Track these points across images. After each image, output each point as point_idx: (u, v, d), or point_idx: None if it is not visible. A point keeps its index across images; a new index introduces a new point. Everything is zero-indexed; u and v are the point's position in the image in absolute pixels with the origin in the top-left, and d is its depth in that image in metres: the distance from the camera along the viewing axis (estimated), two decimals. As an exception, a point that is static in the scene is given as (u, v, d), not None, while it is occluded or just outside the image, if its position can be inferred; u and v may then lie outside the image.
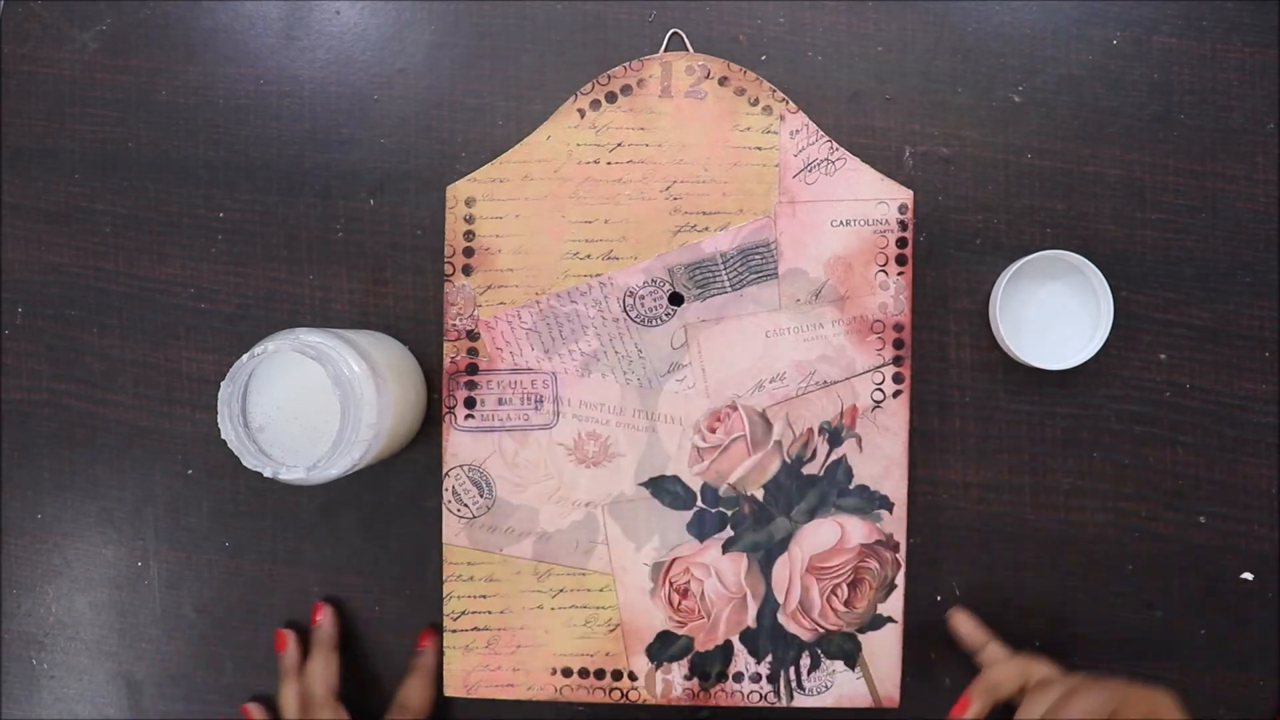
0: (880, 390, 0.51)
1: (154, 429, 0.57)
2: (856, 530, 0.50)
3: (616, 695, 0.51)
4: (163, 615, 0.57)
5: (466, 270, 0.53)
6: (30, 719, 0.58)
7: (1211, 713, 0.54)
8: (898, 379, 0.51)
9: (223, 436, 0.46)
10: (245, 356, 0.46)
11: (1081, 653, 0.55)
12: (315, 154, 0.57)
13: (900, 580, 0.50)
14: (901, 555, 0.51)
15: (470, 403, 0.52)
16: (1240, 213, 0.54)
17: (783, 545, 0.50)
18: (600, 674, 0.51)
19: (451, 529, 0.52)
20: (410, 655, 0.55)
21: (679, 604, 0.50)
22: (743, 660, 0.50)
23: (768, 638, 0.50)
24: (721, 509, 0.51)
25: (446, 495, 0.52)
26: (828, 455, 0.51)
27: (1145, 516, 0.55)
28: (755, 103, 0.52)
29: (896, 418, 0.51)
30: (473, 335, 0.52)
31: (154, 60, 0.57)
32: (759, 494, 0.50)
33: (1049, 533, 0.55)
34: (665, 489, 0.51)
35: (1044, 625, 0.55)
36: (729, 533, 0.51)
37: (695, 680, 0.51)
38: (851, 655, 0.50)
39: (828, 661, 0.50)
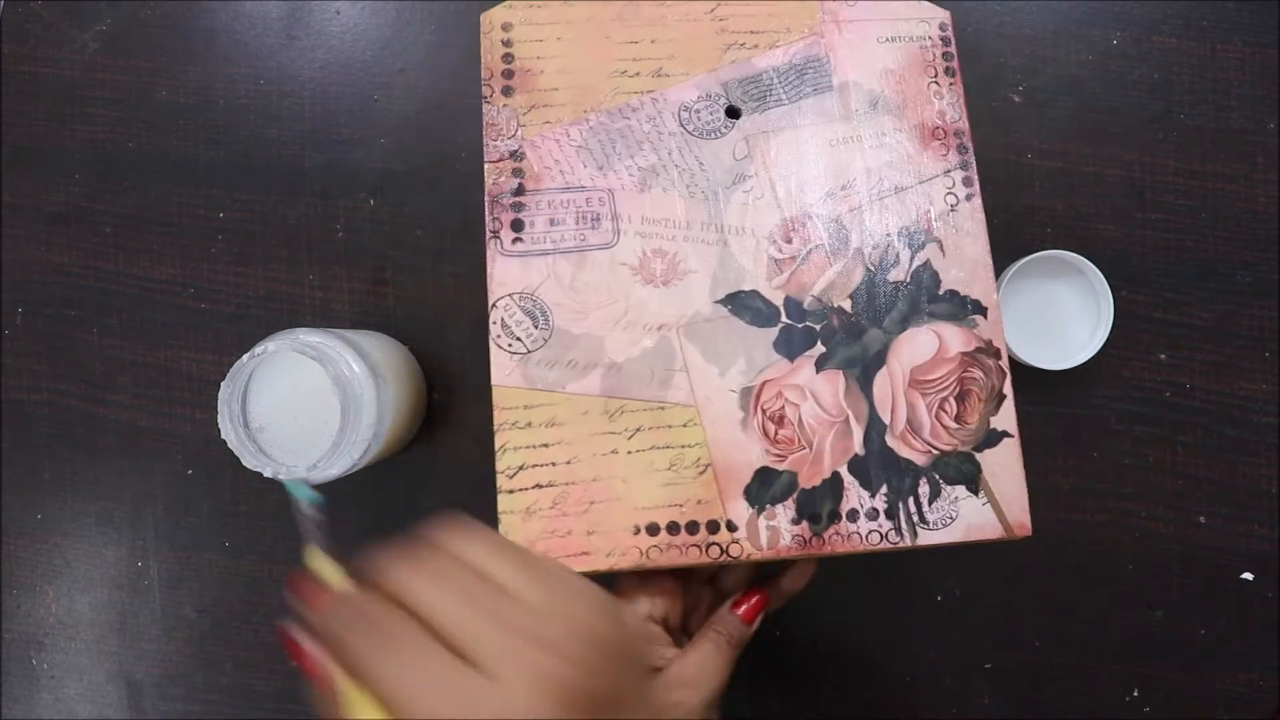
0: (953, 194, 0.48)
1: (154, 429, 0.57)
2: (954, 338, 0.45)
3: (715, 552, 0.42)
4: (163, 615, 0.57)
5: (506, 91, 0.49)
6: (30, 719, 0.58)
7: (1211, 713, 0.54)
8: (967, 183, 0.48)
9: (223, 436, 0.46)
10: (245, 357, 0.46)
11: (1081, 653, 0.55)
12: (315, 154, 0.57)
13: (1008, 389, 0.44)
14: (1004, 363, 0.45)
15: (518, 225, 0.46)
16: (1240, 212, 0.54)
17: (880, 359, 0.45)
18: (693, 528, 0.42)
19: (502, 368, 0.44)
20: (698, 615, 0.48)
21: (775, 434, 0.43)
22: (855, 495, 0.43)
23: (879, 465, 0.43)
24: (809, 324, 0.45)
25: (494, 329, 0.45)
26: (911, 260, 0.46)
27: (1145, 516, 0.55)
28: None
29: (973, 220, 0.47)
30: (517, 155, 0.47)
31: (154, 60, 0.57)
32: (846, 305, 0.45)
33: (1049, 533, 0.55)
34: (745, 305, 0.45)
35: (1044, 625, 0.55)
36: (820, 349, 0.45)
37: (805, 524, 0.42)
38: (972, 478, 0.44)
39: (948, 488, 0.43)
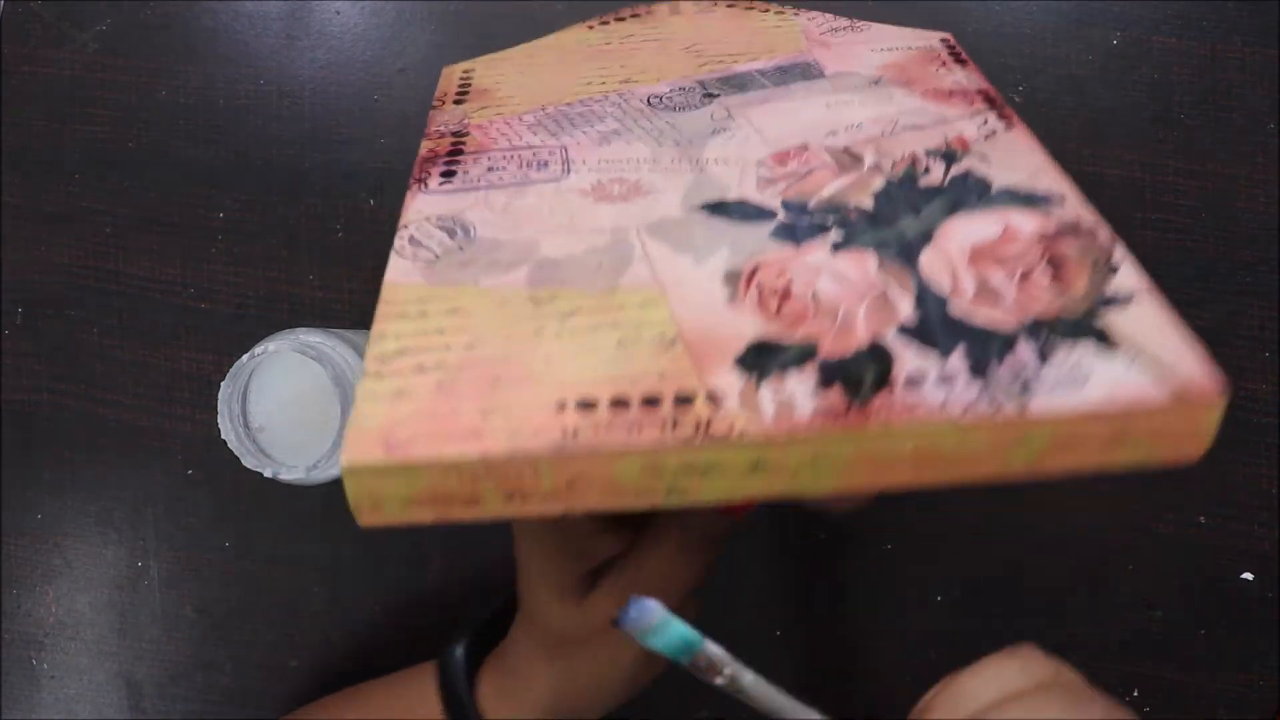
0: (987, 126, 0.39)
1: (154, 429, 0.57)
2: (1026, 222, 0.34)
3: (688, 430, 0.26)
4: (163, 616, 0.57)
5: (458, 101, 0.42)
6: (30, 719, 0.58)
7: (1211, 713, 0.54)
8: (1004, 119, 0.39)
9: (223, 437, 0.46)
10: (245, 357, 0.46)
11: (1081, 653, 0.55)
12: (315, 154, 0.57)
13: (1123, 255, 0.32)
14: (1108, 235, 0.33)
15: (448, 174, 0.38)
16: (1240, 213, 0.54)
17: (924, 239, 0.33)
18: (652, 401, 0.28)
19: (400, 269, 0.33)
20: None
21: (779, 307, 0.31)
22: (912, 360, 0.29)
23: (944, 331, 0.31)
24: (815, 218, 0.35)
25: (398, 243, 0.34)
26: (946, 171, 0.36)
27: (1145, 516, 0.55)
28: (766, 11, 0.49)
29: (1021, 142, 0.38)
30: (459, 134, 0.40)
31: (154, 61, 0.57)
32: (867, 204, 0.35)
33: (1049, 533, 0.55)
34: (732, 209, 0.35)
35: (1043, 625, 0.55)
36: (837, 235, 0.34)
37: (838, 388, 0.28)
38: (1101, 338, 0.30)
39: (1061, 351, 0.30)
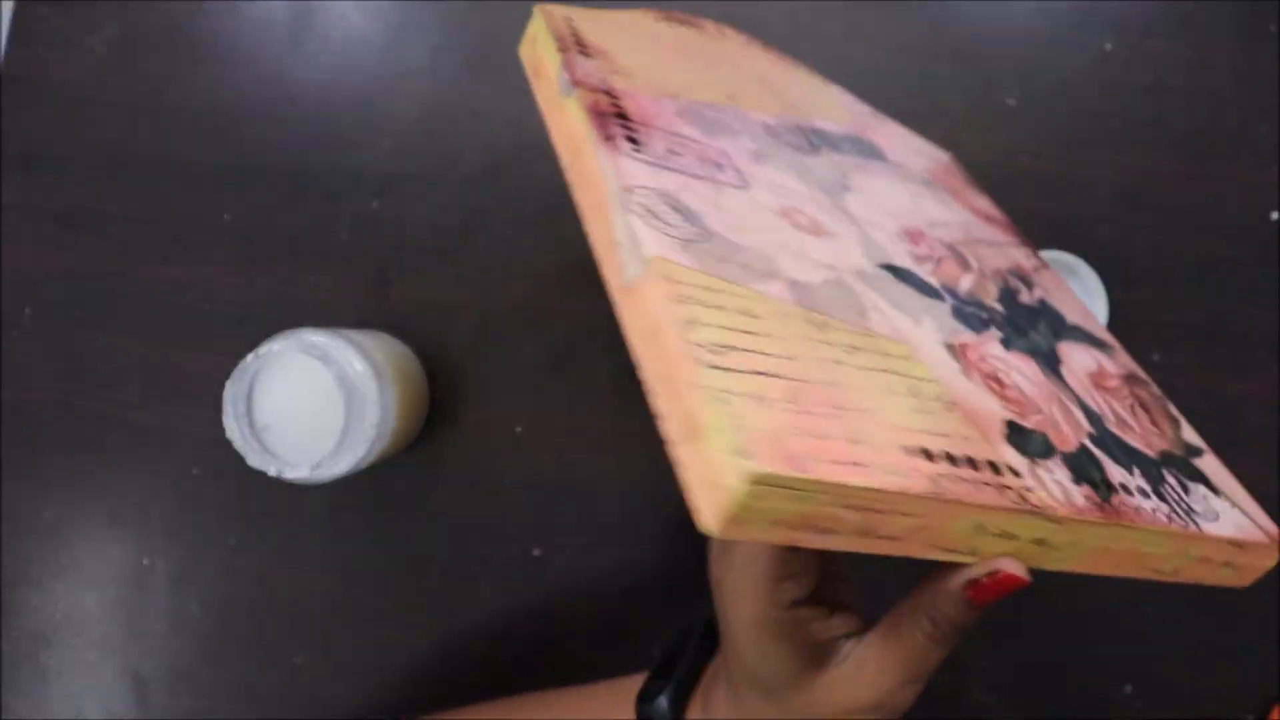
0: (1030, 261, 0.41)
1: (160, 428, 0.58)
2: (1107, 363, 0.36)
3: (1012, 497, 0.27)
4: (168, 612, 0.58)
5: (584, 53, 0.39)
6: (38, 716, 0.59)
7: (1206, 709, 0.55)
8: (1033, 257, 0.42)
9: (228, 436, 0.47)
10: (250, 356, 0.46)
11: (1076, 649, 0.55)
12: (319, 157, 0.57)
13: (1176, 413, 0.35)
14: (1156, 390, 0.36)
15: (633, 141, 0.34)
16: (1233, 214, 0.55)
17: (1051, 359, 0.35)
18: (973, 463, 0.28)
19: (659, 243, 0.29)
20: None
21: (1003, 390, 0.32)
22: (1114, 469, 0.31)
23: (1116, 446, 0.32)
24: (973, 309, 0.35)
25: (633, 214, 0.30)
26: (1031, 290, 0.38)
27: (1139, 515, 0.55)
28: (798, 69, 0.50)
29: (1054, 283, 0.40)
30: (611, 95, 0.36)
31: (160, 65, 0.58)
32: (998, 306, 0.36)
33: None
34: (905, 276, 0.35)
35: (1039, 622, 0.55)
36: (996, 331, 0.35)
37: (1087, 486, 0.29)
38: (1207, 480, 0.33)
39: (1190, 483, 0.32)
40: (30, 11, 0.58)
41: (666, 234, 0.30)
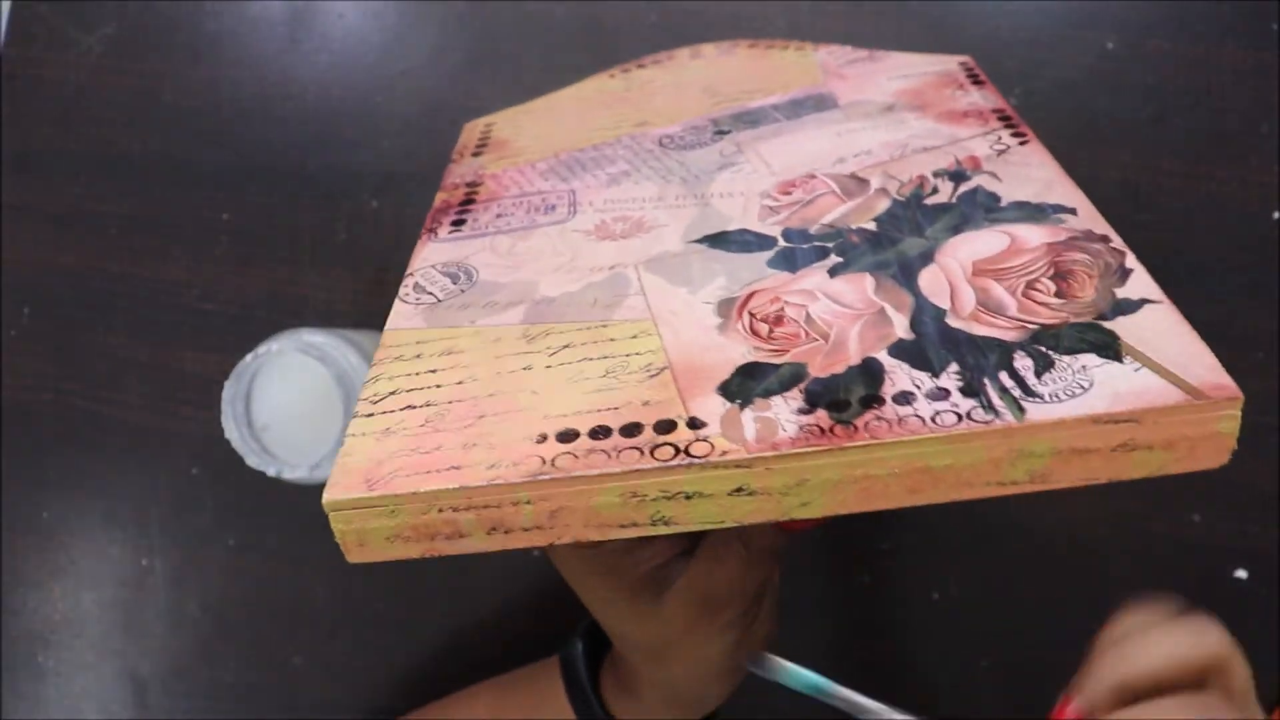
0: (1001, 144, 0.39)
1: (159, 429, 0.58)
2: (1033, 234, 0.34)
3: (666, 453, 0.27)
4: (167, 613, 0.58)
5: (476, 154, 0.44)
6: (37, 717, 0.59)
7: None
8: (1018, 135, 0.40)
9: (226, 436, 0.46)
10: (249, 356, 0.46)
11: (1077, 650, 0.55)
12: (318, 156, 0.57)
13: (1134, 264, 0.33)
14: (1119, 244, 0.34)
15: (458, 223, 0.39)
16: (1235, 215, 0.55)
17: (924, 259, 0.34)
18: (633, 429, 0.28)
19: (402, 315, 0.34)
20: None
21: (770, 332, 0.32)
22: (904, 377, 0.29)
23: (940, 345, 0.30)
24: (818, 244, 0.35)
25: (403, 291, 0.35)
26: (955, 189, 0.37)
27: (1139, 515, 0.55)
28: (786, 48, 0.50)
29: (1033, 156, 0.39)
30: (473, 185, 0.42)
31: (158, 63, 0.58)
32: (870, 225, 0.36)
33: (1044, 532, 0.55)
34: (731, 240, 0.36)
35: (1039, 623, 0.55)
36: (835, 259, 0.34)
37: (822, 412, 0.28)
38: (1107, 345, 0.30)
39: (1065, 358, 0.30)
40: (28, 10, 0.58)
41: (415, 305, 0.35)
